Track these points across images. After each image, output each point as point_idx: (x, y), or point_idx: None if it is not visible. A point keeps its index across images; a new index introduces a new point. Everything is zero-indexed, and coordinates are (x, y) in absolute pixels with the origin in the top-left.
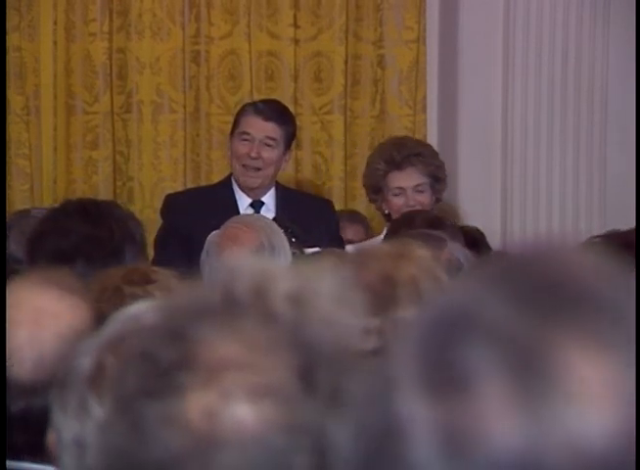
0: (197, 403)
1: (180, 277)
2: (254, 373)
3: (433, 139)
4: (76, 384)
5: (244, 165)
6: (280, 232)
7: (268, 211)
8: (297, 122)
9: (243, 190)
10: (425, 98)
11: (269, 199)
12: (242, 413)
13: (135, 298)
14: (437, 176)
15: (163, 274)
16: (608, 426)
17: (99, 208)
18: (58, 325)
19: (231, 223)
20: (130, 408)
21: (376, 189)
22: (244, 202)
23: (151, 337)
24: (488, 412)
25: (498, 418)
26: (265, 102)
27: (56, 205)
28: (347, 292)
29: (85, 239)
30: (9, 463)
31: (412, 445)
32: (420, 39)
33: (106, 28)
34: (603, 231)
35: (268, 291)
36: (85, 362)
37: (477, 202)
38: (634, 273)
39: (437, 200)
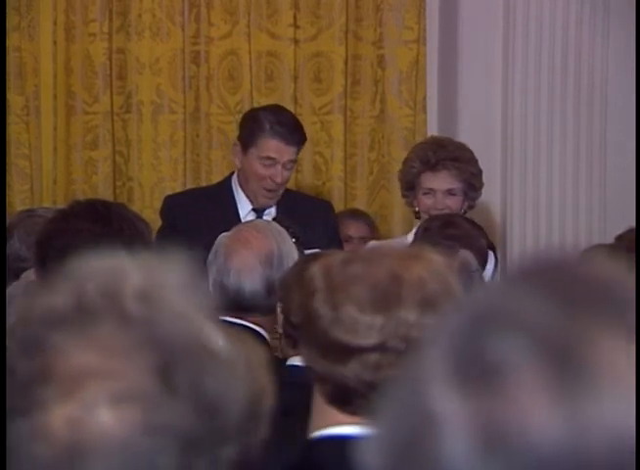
0: (60, 415)
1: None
2: (113, 379)
3: None
4: None
5: (264, 187)
6: (290, 241)
7: (268, 212)
8: None
9: (248, 197)
10: (425, 98)
11: None
12: (104, 420)
13: None
14: (472, 184)
15: None
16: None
17: (109, 208)
18: None
19: (243, 227)
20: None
21: (409, 186)
22: (245, 206)
23: (8, 347)
24: (525, 404)
25: (535, 409)
26: (281, 122)
27: (62, 205)
28: (194, 283)
29: (96, 239)
30: None
31: (447, 441)
32: (420, 39)
33: (105, 29)
34: (602, 231)
35: (118, 290)
36: None
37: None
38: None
39: (470, 207)
